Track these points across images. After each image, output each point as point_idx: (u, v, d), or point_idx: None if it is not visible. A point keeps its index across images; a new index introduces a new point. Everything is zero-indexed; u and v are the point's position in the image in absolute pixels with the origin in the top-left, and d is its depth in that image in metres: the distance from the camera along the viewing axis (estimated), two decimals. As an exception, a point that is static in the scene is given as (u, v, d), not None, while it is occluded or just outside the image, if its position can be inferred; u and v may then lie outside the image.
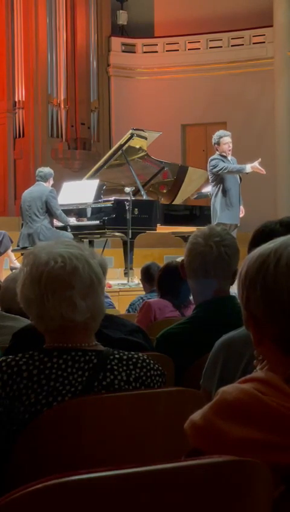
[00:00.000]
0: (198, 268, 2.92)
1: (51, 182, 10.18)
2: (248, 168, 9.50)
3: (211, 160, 9.62)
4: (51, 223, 9.99)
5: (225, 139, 9.63)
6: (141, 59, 16.61)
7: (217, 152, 9.64)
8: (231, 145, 9.65)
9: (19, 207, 10.39)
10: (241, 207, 9.80)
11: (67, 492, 1.15)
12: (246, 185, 14.78)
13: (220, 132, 9.81)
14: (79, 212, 10.36)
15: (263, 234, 2.38)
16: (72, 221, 10.17)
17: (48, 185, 10.07)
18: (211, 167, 9.56)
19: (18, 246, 10.17)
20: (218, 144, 9.64)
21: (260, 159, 9.59)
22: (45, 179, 10.09)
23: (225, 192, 9.54)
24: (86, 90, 15.99)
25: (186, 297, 4.62)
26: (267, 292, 1.38)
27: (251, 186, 15.03)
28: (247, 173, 9.57)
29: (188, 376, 2.69)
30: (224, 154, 9.57)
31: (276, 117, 15.30)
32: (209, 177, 9.76)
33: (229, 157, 9.61)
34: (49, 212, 9.86)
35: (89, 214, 10.29)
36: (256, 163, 9.54)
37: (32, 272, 2.01)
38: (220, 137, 9.66)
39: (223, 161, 9.51)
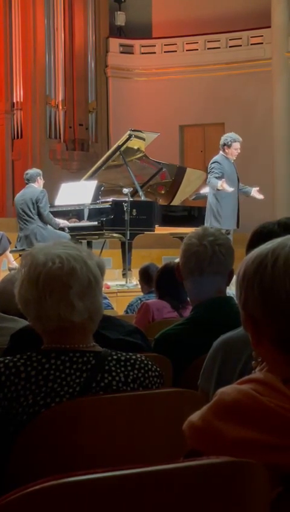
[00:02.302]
0: (193, 268, 2.93)
1: (41, 181, 10.18)
2: (228, 188, 9.30)
3: (213, 162, 9.56)
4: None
5: (237, 144, 9.53)
6: (139, 60, 16.62)
7: (222, 153, 9.57)
8: (239, 151, 9.60)
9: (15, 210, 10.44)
10: (254, 189, 9.78)
11: (65, 494, 1.15)
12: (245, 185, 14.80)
13: (234, 136, 9.67)
14: (77, 213, 10.36)
15: (261, 235, 2.38)
16: (64, 223, 10.16)
17: (38, 185, 10.09)
18: (210, 168, 9.53)
19: (16, 247, 10.18)
20: (229, 146, 9.54)
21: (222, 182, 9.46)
22: (32, 179, 10.13)
23: (220, 196, 9.50)
24: (84, 91, 15.99)
25: (184, 298, 4.62)
26: (265, 292, 1.38)
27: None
28: (228, 191, 9.35)
29: (186, 377, 2.69)
30: (229, 157, 9.53)
31: (274, 118, 15.31)
32: (208, 176, 9.73)
33: (232, 161, 9.58)
34: (38, 212, 9.89)
35: (87, 215, 10.29)
36: (225, 186, 9.36)
37: (30, 273, 2.01)
38: (234, 141, 9.54)
39: (221, 170, 9.41)
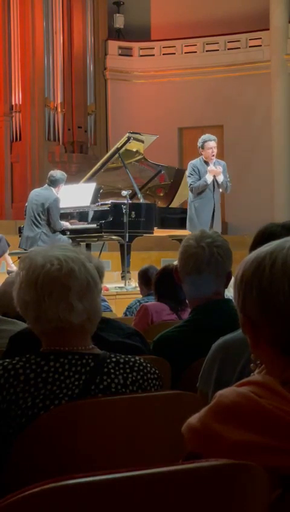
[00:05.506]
0: (191, 269, 2.94)
1: (62, 187, 10.12)
2: (208, 178, 9.33)
3: (189, 165, 9.56)
4: (51, 229, 10.00)
5: (209, 143, 9.46)
6: (138, 62, 16.63)
7: (202, 156, 9.57)
8: (215, 150, 9.52)
9: (25, 205, 10.35)
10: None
11: (64, 496, 1.15)
12: (244, 188, 14.83)
13: (205, 136, 9.66)
14: (76, 216, 10.37)
15: (262, 237, 2.38)
16: (66, 225, 10.17)
17: (57, 190, 10.03)
18: (187, 173, 9.54)
19: (19, 245, 10.16)
20: (202, 148, 9.53)
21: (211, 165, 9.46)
22: (54, 184, 10.02)
23: (196, 201, 9.47)
24: (83, 93, 16.00)
25: (183, 300, 4.62)
26: (264, 295, 1.38)
27: (248, 189, 15.06)
28: (208, 183, 9.35)
29: (185, 379, 2.69)
30: (206, 160, 9.49)
31: (273, 120, 15.33)
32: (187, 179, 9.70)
33: (213, 162, 9.50)
34: (48, 219, 9.88)
35: (86, 217, 10.30)
36: (211, 167, 9.39)
37: (29, 275, 2.01)
38: (204, 141, 9.51)
39: (197, 172, 9.40)
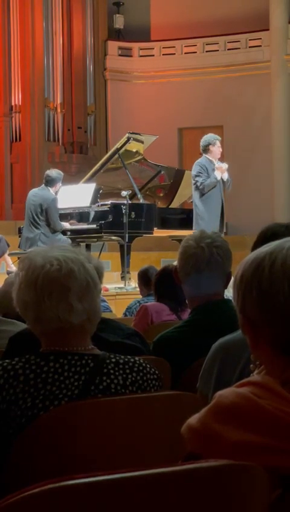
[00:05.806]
0: (191, 269, 2.94)
1: (59, 186, 10.09)
2: (217, 175, 9.37)
3: (196, 165, 9.54)
4: (51, 230, 9.98)
5: (218, 142, 9.56)
6: (138, 63, 16.62)
7: (205, 155, 9.55)
8: (221, 149, 9.60)
9: (24, 205, 10.32)
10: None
11: (64, 497, 1.15)
12: (244, 188, 14.81)
13: (212, 135, 9.67)
14: (76, 216, 10.36)
15: (265, 237, 2.38)
16: (65, 226, 10.17)
17: (54, 190, 9.99)
18: (194, 172, 9.52)
19: (19, 246, 10.15)
20: (213, 144, 9.52)
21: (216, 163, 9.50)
22: (51, 183, 9.96)
23: (205, 200, 9.46)
24: (83, 94, 16.00)
25: (183, 301, 4.62)
26: (263, 295, 1.38)
27: (248, 189, 15.06)
28: (218, 180, 9.38)
29: (184, 380, 2.69)
30: (212, 159, 9.48)
31: (273, 120, 15.33)
32: (192, 181, 9.68)
33: (217, 161, 9.52)
34: (47, 220, 9.86)
35: (85, 218, 10.30)
36: (217, 165, 9.42)
37: (28, 276, 2.01)
38: (215, 139, 9.55)
39: (205, 170, 9.40)
